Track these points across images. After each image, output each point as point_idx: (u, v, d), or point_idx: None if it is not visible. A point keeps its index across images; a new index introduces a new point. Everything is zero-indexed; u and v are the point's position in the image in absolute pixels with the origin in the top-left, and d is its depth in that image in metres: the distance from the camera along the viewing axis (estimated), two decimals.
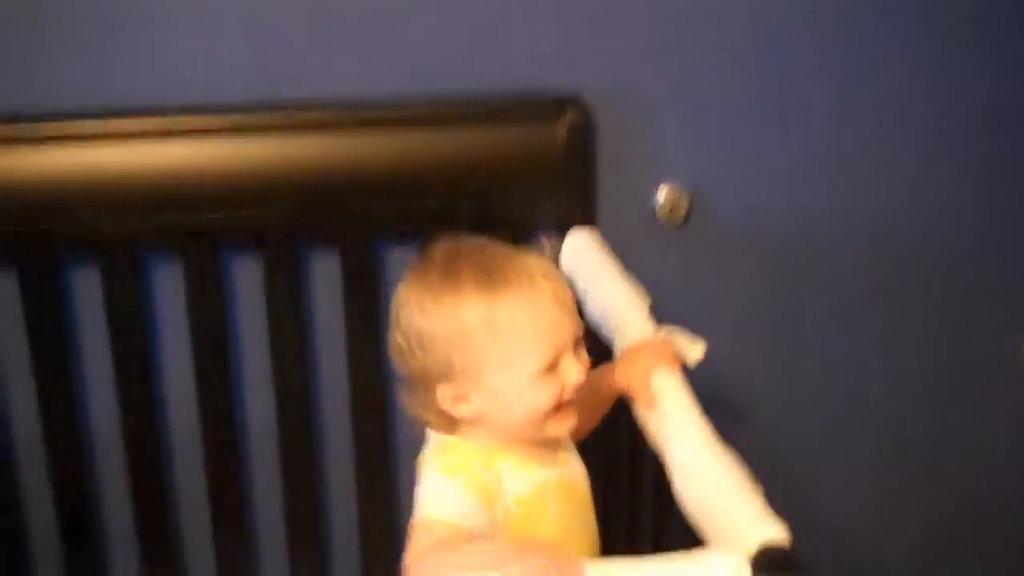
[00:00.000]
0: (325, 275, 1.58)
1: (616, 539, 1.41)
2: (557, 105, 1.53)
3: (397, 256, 1.58)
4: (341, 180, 1.52)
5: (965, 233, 1.73)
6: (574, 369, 1.13)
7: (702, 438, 1.09)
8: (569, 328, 1.14)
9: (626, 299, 1.36)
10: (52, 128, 1.47)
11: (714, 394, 1.63)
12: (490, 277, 1.11)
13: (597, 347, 1.39)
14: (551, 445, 1.20)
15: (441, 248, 1.16)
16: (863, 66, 1.63)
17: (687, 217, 1.64)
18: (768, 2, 1.58)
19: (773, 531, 0.93)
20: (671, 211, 1.63)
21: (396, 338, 1.16)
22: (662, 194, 1.63)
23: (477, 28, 1.55)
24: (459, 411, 1.14)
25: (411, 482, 1.15)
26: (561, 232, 1.57)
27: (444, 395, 1.13)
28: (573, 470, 1.23)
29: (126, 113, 1.48)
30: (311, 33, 1.52)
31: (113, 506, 1.64)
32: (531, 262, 1.14)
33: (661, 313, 1.49)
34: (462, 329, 1.10)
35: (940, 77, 1.65)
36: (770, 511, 0.96)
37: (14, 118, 1.46)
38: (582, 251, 1.51)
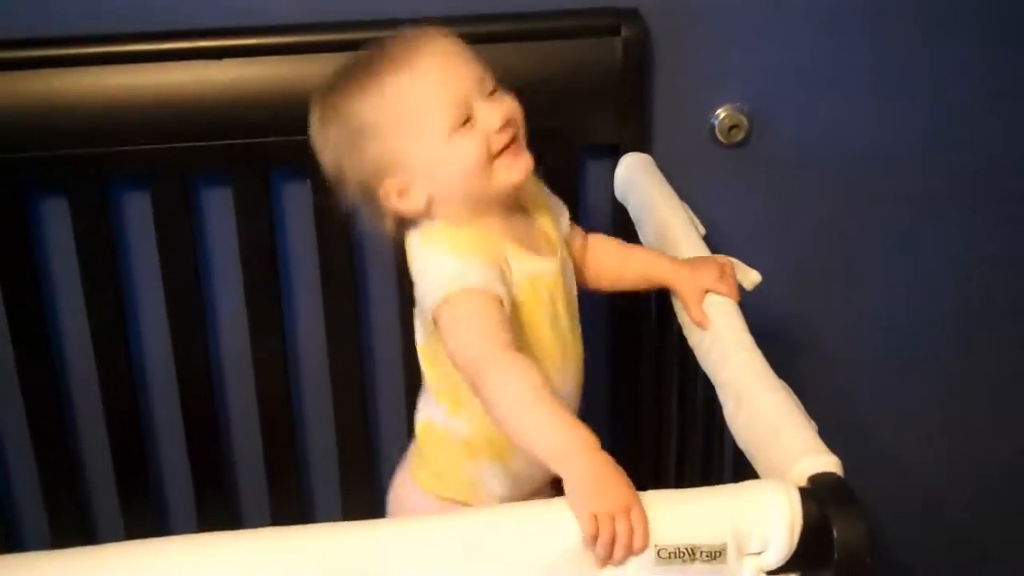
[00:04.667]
0: None
1: (666, 469, 1.40)
2: (614, 19, 1.49)
3: None
4: None
5: None
6: (489, 113, 1.12)
7: (755, 368, 1.06)
8: (466, 79, 1.13)
9: (681, 228, 1.32)
10: (102, 49, 1.45)
11: (772, 320, 1.62)
12: (371, 67, 1.13)
13: None
14: (539, 234, 1.20)
15: (327, 76, 1.19)
16: None
17: (746, 138, 1.58)
18: None
19: (825, 461, 0.91)
20: (730, 132, 1.58)
21: (326, 169, 1.19)
22: (721, 114, 1.58)
23: None
24: (410, 203, 1.14)
25: None
26: (615, 154, 1.53)
27: (389, 194, 1.14)
28: (567, 264, 1.23)
29: (176, 34, 1.46)
30: None
31: (166, 433, 1.66)
32: (409, 34, 1.15)
33: (719, 237, 1.46)
34: (363, 125, 1.13)
35: None
36: (821, 441, 0.93)
37: (64, 40, 1.45)
38: (636, 176, 1.47)
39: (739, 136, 1.58)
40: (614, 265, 1.31)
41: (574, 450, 0.94)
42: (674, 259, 1.27)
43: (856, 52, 1.58)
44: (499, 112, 1.13)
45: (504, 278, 1.12)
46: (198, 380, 1.60)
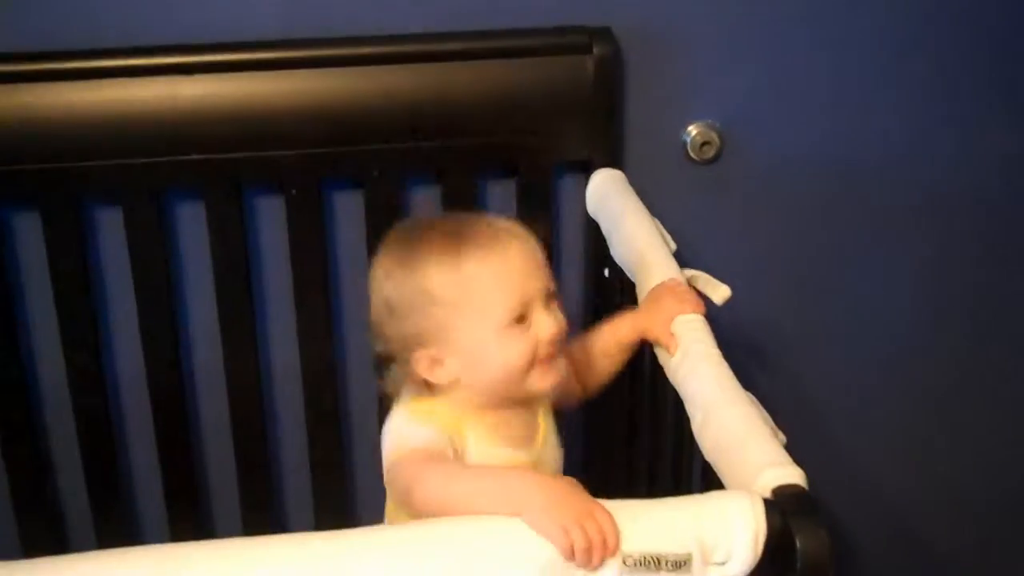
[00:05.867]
0: (349, 214, 1.57)
1: (638, 480, 1.40)
2: (586, 38, 1.50)
3: (421, 195, 1.56)
4: (365, 117, 1.50)
5: (1002, 169, 1.68)
6: (546, 322, 1.14)
7: (722, 381, 1.06)
8: (537, 283, 1.14)
9: (650, 243, 1.33)
10: (75, 64, 1.45)
11: (743, 335, 1.63)
12: (453, 238, 1.14)
13: (623, 290, 1.38)
14: (530, 427, 1.20)
15: (408, 221, 1.20)
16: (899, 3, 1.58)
17: (718, 155, 1.60)
18: None
19: (789, 473, 0.91)
20: (701, 149, 1.59)
21: (372, 311, 1.18)
22: (692, 131, 1.59)
23: None
24: (437, 376, 1.15)
25: None
26: (588, 170, 1.54)
27: (420, 360, 1.14)
28: (546, 457, 1.22)
29: (149, 49, 1.46)
30: None
31: (138, 448, 1.65)
32: (496, 222, 1.17)
33: (691, 253, 1.48)
34: (428, 291, 1.13)
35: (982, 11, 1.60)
36: (786, 454, 0.94)
37: (38, 55, 1.45)
38: (607, 191, 1.48)
39: (710, 153, 1.59)
40: (585, 360, 1.31)
41: (517, 489, 0.94)
42: (630, 312, 1.29)
43: (827, 70, 1.60)
44: (554, 325, 1.14)
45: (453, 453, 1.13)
46: (170, 393, 1.59)
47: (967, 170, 1.68)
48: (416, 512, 1.04)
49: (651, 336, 1.24)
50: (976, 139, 1.66)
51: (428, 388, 1.17)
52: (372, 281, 1.18)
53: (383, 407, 1.58)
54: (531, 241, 1.16)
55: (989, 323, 1.78)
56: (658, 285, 1.26)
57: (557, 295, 1.17)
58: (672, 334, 1.19)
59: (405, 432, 1.14)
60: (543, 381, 1.15)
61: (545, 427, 1.22)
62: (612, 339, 1.31)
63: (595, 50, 1.50)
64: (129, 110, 1.47)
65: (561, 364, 1.17)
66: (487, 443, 1.15)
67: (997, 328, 1.79)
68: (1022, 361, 1.81)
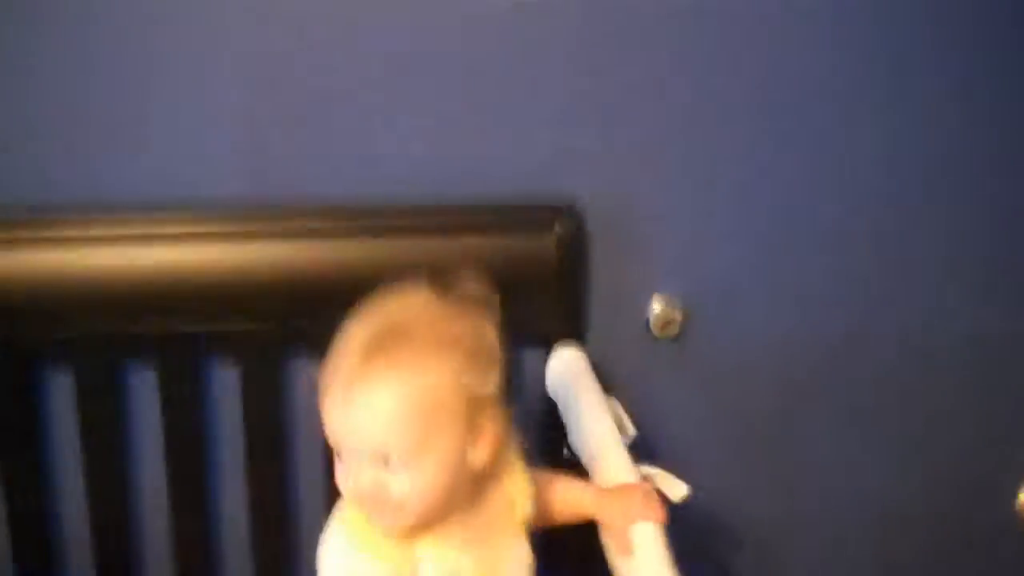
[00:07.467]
0: (308, 387, 1.54)
1: None
2: (549, 214, 1.50)
3: None
4: (326, 289, 1.47)
5: (969, 368, 1.68)
6: (342, 475, 1.11)
7: None
8: (348, 437, 1.09)
9: (606, 442, 1.31)
10: (28, 229, 1.43)
11: (707, 515, 1.60)
12: (346, 345, 1.12)
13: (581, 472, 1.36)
14: (487, 525, 1.16)
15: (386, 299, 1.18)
16: (864, 186, 1.58)
17: (681, 332, 1.59)
18: (766, 116, 1.54)
19: None
20: (664, 325, 1.58)
21: None
22: (656, 307, 1.58)
23: (471, 134, 1.51)
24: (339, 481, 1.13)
25: None
26: (549, 344, 1.53)
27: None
28: (503, 556, 1.18)
29: (107, 214, 1.44)
30: (304, 137, 1.48)
31: None
32: (391, 357, 1.09)
33: (653, 430, 1.46)
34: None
35: (955, 199, 1.61)
36: None
37: None
38: (565, 376, 1.47)
39: (674, 330, 1.58)
40: (542, 502, 1.27)
41: None
42: (598, 491, 1.26)
43: (793, 249, 1.60)
44: (348, 483, 1.11)
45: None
46: (119, 566, 1.55)
47: (941, 367, 1.67)
48: None
49: (607, 528, 1.21)
50: (955, 340, 1.66)
51: None
52: None
53: None
54: (388, 399, 1.06)
55: (970, 500, 1.75)
56: (633, 484, 1.23)
57: (411, 459, 1.08)
58: (627, 538, 1.17)
59: (345, 565, 1.11)
60: (375, 518, 1.11)
61: (510, 527, 1.18)
62: (563, 500, 1.28)
63: (557, 227, 1.49)
64: (83, 276, 1.43)
65: (395, 516, 1.09)
66: (439, 556, 1.11)
67: (978, 505, 1.76)
68: (998, 538, 1.78)
